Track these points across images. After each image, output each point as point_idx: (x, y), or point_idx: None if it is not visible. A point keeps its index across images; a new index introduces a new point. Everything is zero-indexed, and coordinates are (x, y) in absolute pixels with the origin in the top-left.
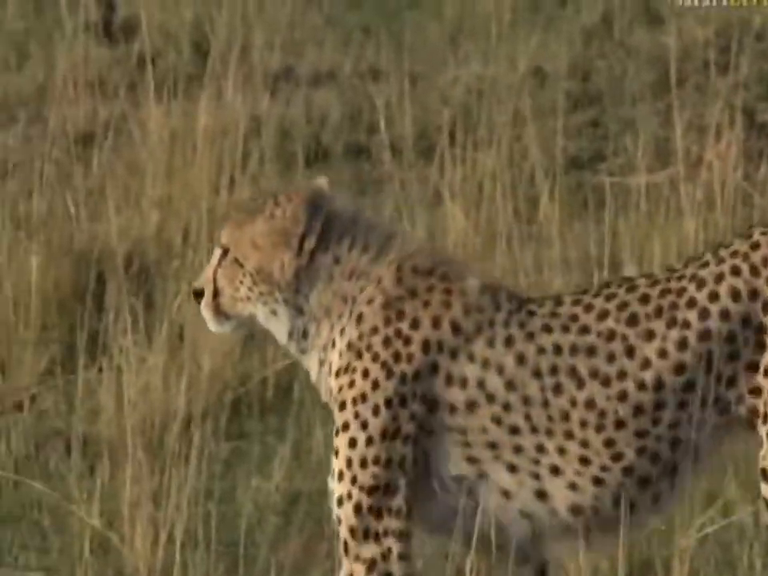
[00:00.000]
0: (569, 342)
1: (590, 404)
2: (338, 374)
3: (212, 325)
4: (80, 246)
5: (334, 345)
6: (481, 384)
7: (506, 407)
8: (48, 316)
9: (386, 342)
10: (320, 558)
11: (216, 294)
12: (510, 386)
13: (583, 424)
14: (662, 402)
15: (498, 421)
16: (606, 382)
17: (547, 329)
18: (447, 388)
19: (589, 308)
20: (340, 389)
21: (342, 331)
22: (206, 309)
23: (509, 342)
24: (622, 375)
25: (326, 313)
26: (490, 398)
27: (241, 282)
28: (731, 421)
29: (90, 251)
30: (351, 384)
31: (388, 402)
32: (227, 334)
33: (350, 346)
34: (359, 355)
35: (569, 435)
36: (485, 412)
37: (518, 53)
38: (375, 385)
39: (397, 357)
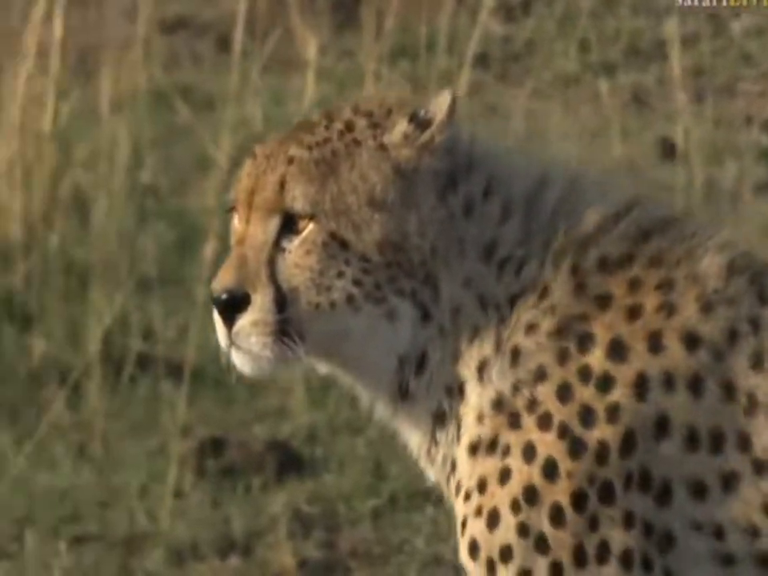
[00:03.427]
0: None
1: None
2: (473, 451)
3: (272, 360)
4: None
5: (462, 392)
6: (744, 441)
7: None
8: None
9: (565, 392)
10: None
11: (282, 301)
12: None
13: None
14: None
15: None
16: None
17: None
18: (689, 454)
19: None
20: (481, 484)
21: (482, 368)
22: (261, 330)
23: None
24: None
25: (453, 318)
26: (760, 468)
27: (340, 274)
28: None
29: None
30: (504, 476)
31: (578, 500)
32: None
33: (497, 404)
34: (515, 422)
35: None
36: (752, 494)
37: None
38: (551, 471)
39: (587, 416)
